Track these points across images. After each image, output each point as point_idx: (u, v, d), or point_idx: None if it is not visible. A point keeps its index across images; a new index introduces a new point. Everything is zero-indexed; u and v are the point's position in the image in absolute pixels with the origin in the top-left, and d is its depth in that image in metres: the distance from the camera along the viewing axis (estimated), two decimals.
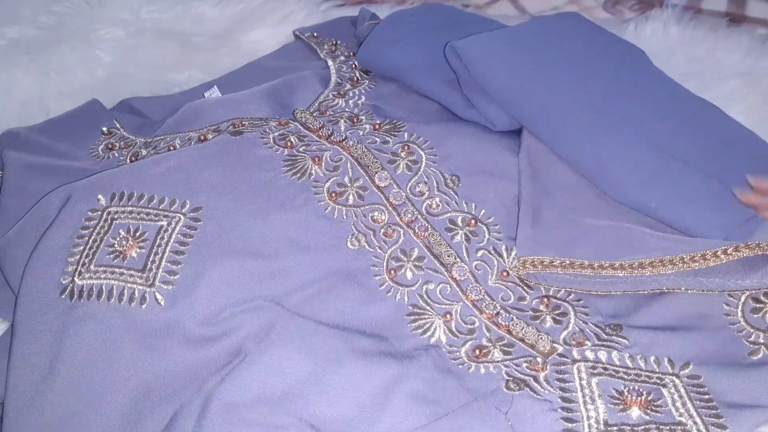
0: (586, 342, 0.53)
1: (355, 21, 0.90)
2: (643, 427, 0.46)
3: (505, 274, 0.58)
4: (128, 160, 0.68)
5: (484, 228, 0.60)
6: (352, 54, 0.83)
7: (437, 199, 0.62)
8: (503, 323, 0.54)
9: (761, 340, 0.52)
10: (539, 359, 0.51)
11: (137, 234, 0.56)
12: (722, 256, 0.52)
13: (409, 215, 0.60)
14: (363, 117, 0.70)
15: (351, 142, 0.65)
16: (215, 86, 0.81)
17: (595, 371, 0.50)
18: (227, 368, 0.50)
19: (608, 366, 0.51)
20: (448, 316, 0.55)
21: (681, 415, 0.47)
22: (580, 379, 0.50)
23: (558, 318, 0.55)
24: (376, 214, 0.60)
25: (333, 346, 0.50)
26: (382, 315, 0.55)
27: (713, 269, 0.53)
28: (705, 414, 0.47)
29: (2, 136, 0.72)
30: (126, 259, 0.55)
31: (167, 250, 0.55)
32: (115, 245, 0.56)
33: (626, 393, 0.48)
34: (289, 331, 0.51)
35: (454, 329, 0.54)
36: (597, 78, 0.66)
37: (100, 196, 0.58)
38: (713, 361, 0.51)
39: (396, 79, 0.76)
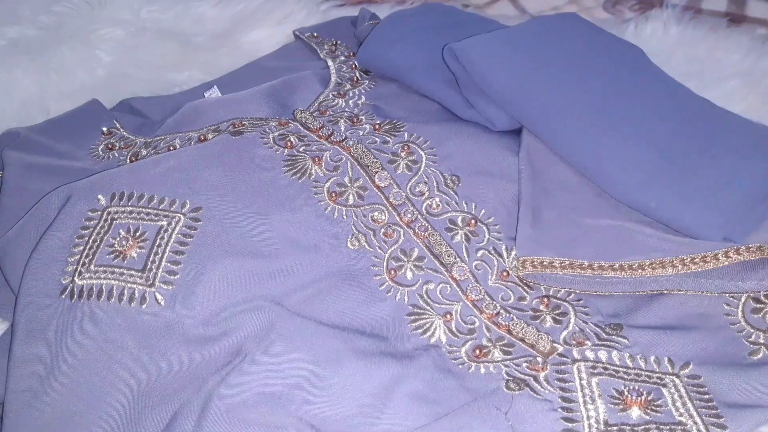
0: (586, 342, 0.53)
1: (355, 21, 0.90)
2: (643, 427, 0.46)
3: (505, 274, 0.58)
4: (128, 160, 0.68)
5: (484, 228, 0.60)
6: (352, 54, 0.83)
7: (437, 199, 0.62)
8: (503, 323, 0.54)
9: (761, 341, 0.52)
10: (539, 359, 0.51)
11: (137, 234, 0.56)
12: (722, 258, 0.52)
13: (409, 215, 0.61)
14: (363, 117, 0.70)
15: (351, 142, 0.65)
16: (215, 86, 0.81)
17: (595, 371, 0.50)
18: (227, 368, 0.50)
19: (608, 366, 0.51)
20: (448, 316, 0.55)
21: (681, 415, 0.47)
22: (580, 378, 0.50)
23: (558, 318, 0.55)
24: (376, 214, 0.60)
25: (333, 346, 0.50)
26: (382, 315, 0.55)
27: (713, 271, 0.53)
28: (705, 414, 0.47)
29: (2, 136, 0.71)
30: (126, 259, 0.55)
31: (167, 250, 0.55)
32: (115, 245, 0.56)
33: (626, 393, 0.48)
34: (289, 331, 0.51)
35: (454, 329, 0.54)
36: (597, 78, 0.66)
37: (100, 196, 0.58)
38: (713, 361, 0.51)
39: (396, 79, 0.76)
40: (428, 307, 0.55)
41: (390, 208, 0.61)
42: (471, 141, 0.67)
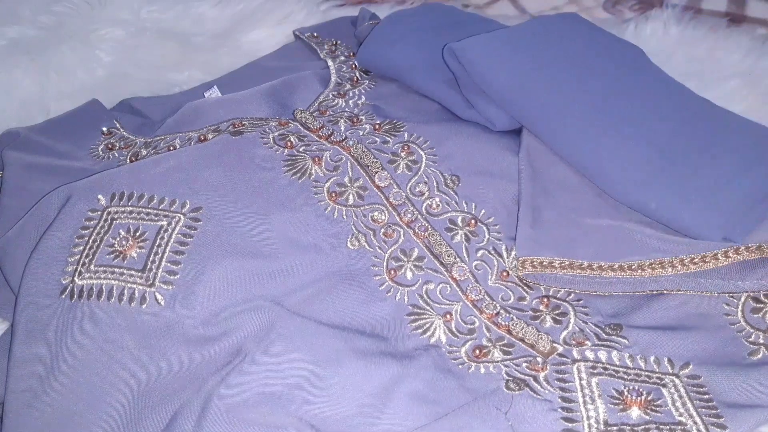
0: (586, 342, 0.53)
1: (355, 21, 0.90)
2: (643, 427, 0.47)
3: (505, 274, 0.58)
4: (128, 160, 0.68)
5: (484, 228, 0.60)
6: (352, 54, 0.83)
7: (437, 199, 0.62)
8: (503, 323, 0.54)
9: (761, 341, 0.52)
10: (539, 359, 0.51)
11: (137, 234, 0.56)
12: (722, 258, 0.52)
13: (409, 215, 0.61)
14: (363, 117, 0.70)
15: (351, 142, 0.65)
16: (215, 86, 0.81)
17: (595, 371, 0.50)
18: (227, 368, 0.50)
19: (608, 366, 0.51)
20: (448, 316, 0.55)
21: (681, 415, 0.47)
22: (580, 379, 0.50)
23: (558, 318, 0.55)
24: (376, 214, 0.60)
25: (333, 346, 0.50)
26: (382, 315, 0.55)
27: (713, 271, 0.53)
28: (705, 414, 0.47)
29: (2, 136, 0.72)
30: (126, 259, 0.55)
31: (167, 250, 0.55)
32: (115, 245, 0.56)
33: (626, 393, 0.48)
34: (289, 331, 0.51)
35: (454, 329, 0.54)
36: (597, 78, 0.66)
37: (100, 196, 0.58)
38: (713, 361, 0.51)
39: (396, 79, 0.76)
40: (428, 307, 0.55)
41: (390, 208, 0.61)
42: (471, 141, 0.67)
